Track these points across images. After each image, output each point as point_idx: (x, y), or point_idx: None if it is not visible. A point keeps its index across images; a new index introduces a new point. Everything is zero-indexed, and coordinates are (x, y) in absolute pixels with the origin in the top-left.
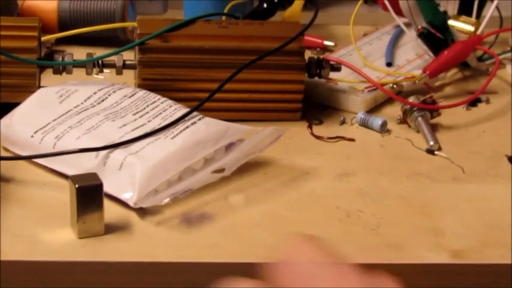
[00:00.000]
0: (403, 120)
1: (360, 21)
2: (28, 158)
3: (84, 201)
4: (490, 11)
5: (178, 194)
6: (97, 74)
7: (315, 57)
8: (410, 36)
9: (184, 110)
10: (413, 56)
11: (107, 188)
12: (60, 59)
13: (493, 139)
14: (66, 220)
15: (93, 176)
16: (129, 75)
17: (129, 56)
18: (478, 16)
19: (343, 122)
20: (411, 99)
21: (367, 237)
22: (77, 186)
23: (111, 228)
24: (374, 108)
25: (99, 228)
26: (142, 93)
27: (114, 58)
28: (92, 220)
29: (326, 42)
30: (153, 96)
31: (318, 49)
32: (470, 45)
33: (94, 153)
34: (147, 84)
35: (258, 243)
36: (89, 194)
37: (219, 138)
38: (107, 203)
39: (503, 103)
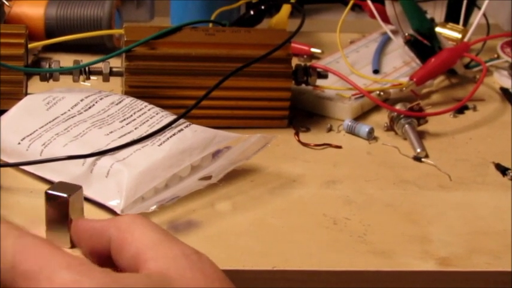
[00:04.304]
0: (390, 128)
1: (347, 29)
2: (15, 166)
3: (51, 209)
4: (477, 18)
5: (165, 201)
6: (84, 81)
7: (302, 64)
8: (397, 44)
9: (171, 117)
10: (400, 63)
11: (94, 195)
12: (47, 66)
13: (480, 146)
14: None
15: (72, 187)
16: (116, 82)
17: (116, 63)
18: (465, 23)
19: (330, 129)
20: (398, 107)
21: (354, 245)
22: (46, 191)
23: None
24: (361, 116)
25: (64, 240)
26: (129, 100)
27: (101, 65)
28: (58, 230)
29: (313, 50)
30: (140, 104)
31: (305, 56)
32: (458, 53)
33: (81, 161)
34: (134, 91)
35: (245, 250)
36: (56, 204)
37: (206, 145)
38: (94, 210)
39: (491, 110)
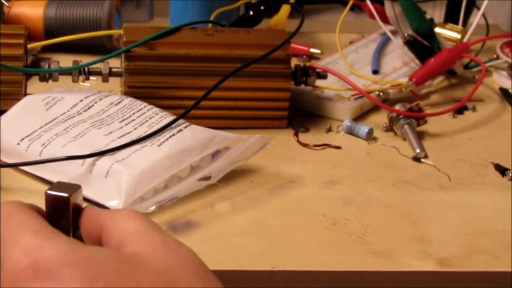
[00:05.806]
0: (389, 128)
1: (346, 29)
2: (14, 166)
3: (51, 209)
4: (476, 18)
5: (165, 201)
6: (83, 81)
7: (301, 64)
8: (397, 44)
9: (171, 118)
10: (400, 64)
11: (93, 196)
12: (46, 66)
13: (480, 147)
14: None
15: (72, 186)
16: (116, 82)
17: (115, 63)
18: (465, 24)
19: (329, 130)
20: (397, 107)
21: (353, 245)
22: (46, 192)
23: None
24: (360, 116)
25: None
26: (128, 100)
27: (100, 65)
28: (60, 229)
29: (312, 50)
30: (139, 104)
31: (304, 57)
32: (457, 53)
33: (80, 161)
34: (133, 91)
35: (244, 251)
36: (56, 203)
37: (205, 145)
38: None
39: (490, 111)
